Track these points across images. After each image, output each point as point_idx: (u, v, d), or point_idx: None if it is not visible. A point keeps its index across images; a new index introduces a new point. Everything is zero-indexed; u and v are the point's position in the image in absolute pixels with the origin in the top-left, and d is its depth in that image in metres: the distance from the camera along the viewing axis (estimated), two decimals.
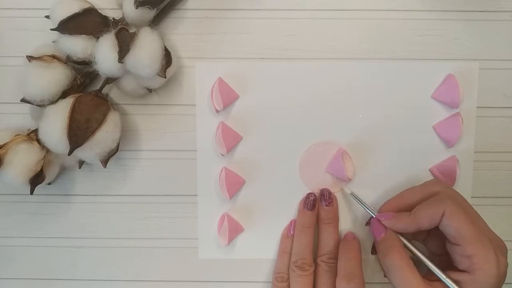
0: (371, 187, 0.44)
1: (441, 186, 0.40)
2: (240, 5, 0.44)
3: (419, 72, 0.43)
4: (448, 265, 0.39)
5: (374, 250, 0.44)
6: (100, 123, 0.39)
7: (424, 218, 0.38)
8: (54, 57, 0.41)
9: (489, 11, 0.44)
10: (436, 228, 0.39)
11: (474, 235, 0.37)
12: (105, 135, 0.39)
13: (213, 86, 0.43)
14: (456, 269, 0.38)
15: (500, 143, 0.44)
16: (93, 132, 0.39)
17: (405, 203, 0.41)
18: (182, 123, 0.44)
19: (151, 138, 0.44)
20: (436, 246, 0.41)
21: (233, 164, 0.44)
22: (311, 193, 0.44)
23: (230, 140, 0.43)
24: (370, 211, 0.41)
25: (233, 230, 0.44)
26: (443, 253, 0.40)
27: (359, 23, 0.44)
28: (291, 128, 0.44)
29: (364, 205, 0.42)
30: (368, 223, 0.44)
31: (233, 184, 0.44)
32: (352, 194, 0.43)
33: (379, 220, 0.40)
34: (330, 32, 0.44)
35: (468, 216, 0.38)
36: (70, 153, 0.38)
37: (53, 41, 0.42)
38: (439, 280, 0.38)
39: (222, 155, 0.44)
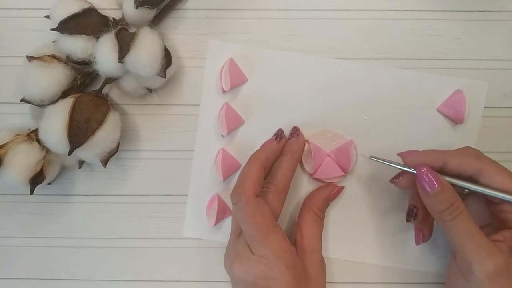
0: (368, 184, 0.44)
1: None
2: (240, 5, 0.44)
3: (423, 81, 0.44)
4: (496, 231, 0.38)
5: (410, 217, 0.41)
6: (100, 123, 0.39)
7: (454, 161, 0.37)
8: (54, 57, 0.41)
9: (489, 11, 0.44)
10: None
11: None
12: (105, 135, 0.39)
13: (223, 66, 0.43)
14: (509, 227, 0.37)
15: (500, 143, 0.44)
16: (93, 132, 0.39)
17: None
18: (182, 123, 0.44)
19: (151, 138, 0.44)
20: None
21: (231, 146, 0.44)
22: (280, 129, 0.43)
23: (232, 122, 0.43)
24: (401, 166, 0.39)
25: (221, 212, 0.44)
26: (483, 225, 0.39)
27: (359, 23, 0.44)
28: (293, 121, 0.44)
29: (389, 163, 0.40)
30: (395, 178, 0.41)
31: (228, 167, 0.44)
32: (371, 157, 0.41)
33: (427, 169, 0.37)
34: (330, 32, 0.44)
35: (507, 170, 0.37)
36: (70, 153, 0.38)
37: (53, 41, 0.42)
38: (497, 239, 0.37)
39: (222, 136, 0.43)
